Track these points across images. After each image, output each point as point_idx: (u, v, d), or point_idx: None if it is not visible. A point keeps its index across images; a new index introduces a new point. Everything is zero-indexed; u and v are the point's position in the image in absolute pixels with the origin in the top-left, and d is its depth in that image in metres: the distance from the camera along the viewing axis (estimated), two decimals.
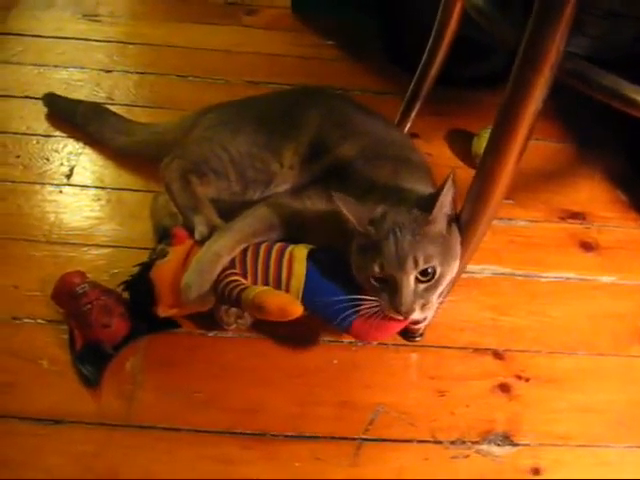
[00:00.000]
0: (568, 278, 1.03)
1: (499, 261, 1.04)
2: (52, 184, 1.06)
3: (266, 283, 0.79)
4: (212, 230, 0.82)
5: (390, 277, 0.71)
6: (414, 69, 1.12)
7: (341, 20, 1.50)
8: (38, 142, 1.13)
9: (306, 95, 1.00)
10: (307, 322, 0.90)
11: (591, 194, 1.19)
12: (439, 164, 1.10)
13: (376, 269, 0.71)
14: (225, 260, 0.80)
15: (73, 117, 1.14)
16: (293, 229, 0.83)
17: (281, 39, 1.46)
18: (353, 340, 0.90)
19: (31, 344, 0.84)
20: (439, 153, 1.21)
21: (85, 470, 0.74)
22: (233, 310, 0.86)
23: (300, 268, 0.78)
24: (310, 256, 0.79)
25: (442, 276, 0.72)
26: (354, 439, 0.81)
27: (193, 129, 0.98)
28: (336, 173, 0.86)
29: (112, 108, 1.15)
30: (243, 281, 0.79)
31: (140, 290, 0.82)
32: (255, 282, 0.80)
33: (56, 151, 1.12)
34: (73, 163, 1.10)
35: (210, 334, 0.88)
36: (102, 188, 1.07)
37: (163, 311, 0.81)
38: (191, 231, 0.84)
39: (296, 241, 0.82)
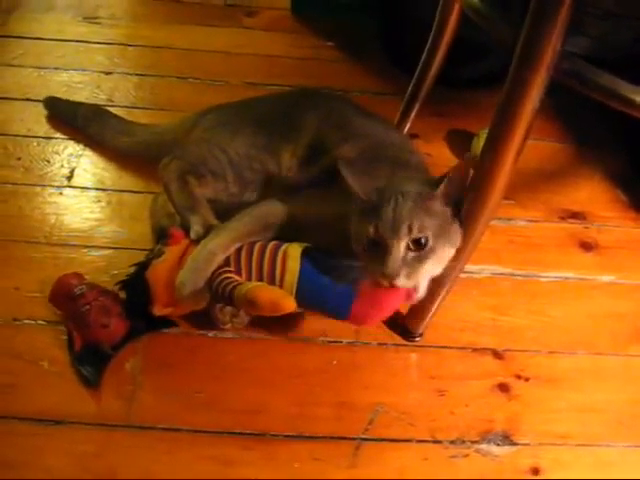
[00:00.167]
0: (568, 278, 1.03)
1: (499, 261, 1.04)
2: (53, 186, 1.07)
3: (260, 280, 0.79)
4: (208, 230, 0.82)
5: (382, 240, 0.72)
6: (413, 70, 1.12)
7: (340, 22, 1.51)
8: (39, 144, 1.14)
9: (305, 97, 1.00)
10: (307, 322, 0.90)
11: (591, 194, 1.19)
12: (439, 164, 1.09)
13: (371, 230, 0.72)
14: (220, 258, 0.80)
15: (74, 119, 1.14)
16: (290, 230, 0.83)
17: (281, 40, 1.46)
18: (353, 340, 0.90)
19: (31, 345, 0.85)
20: (439, 153, 1.22)
21: (85, 470, 0.75)
22: (228, 308, 0.86)
23: (294, 264, 0.78)
24: (305, 254, 0.79)
25: (433, 251, 0.72)
26: (354, 439, 0.81)
27: (193, 130, 0.99)
28: (334, 175, 0.86)
29: (112, 110, 1.16)
30: (237, 278, 0.79)
31: (136, 289, 0.83)
32: (249, 279, 0.80)
33: (57, 153, 1.13)
34: (74, 165, 1.11)
35: (210, 334, 0.89)
36: (102, 190, 1.07)
37: (158, 310, 0.82)
38: (188, 231, 0.84)
39: (292, 241, 0.82)
